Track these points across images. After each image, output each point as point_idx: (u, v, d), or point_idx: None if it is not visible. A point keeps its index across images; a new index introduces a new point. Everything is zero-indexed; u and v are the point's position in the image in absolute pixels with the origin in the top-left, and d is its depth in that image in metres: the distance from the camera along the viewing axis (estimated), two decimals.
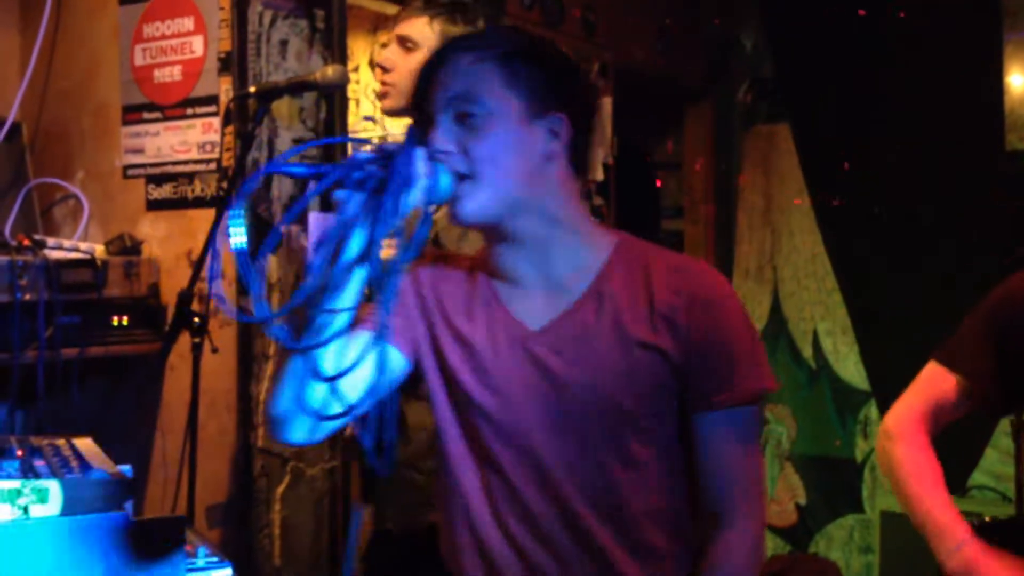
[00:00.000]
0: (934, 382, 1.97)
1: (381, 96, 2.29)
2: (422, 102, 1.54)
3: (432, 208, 1.43)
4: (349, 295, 1.39)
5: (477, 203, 1.47)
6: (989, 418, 2.71)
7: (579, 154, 1.57)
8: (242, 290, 2.64)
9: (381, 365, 1.35)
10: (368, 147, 1.37)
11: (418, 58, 2.21)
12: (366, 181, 1.33)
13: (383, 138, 1.33)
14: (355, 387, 1.42)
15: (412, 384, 1.63)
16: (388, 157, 1.35)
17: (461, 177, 1.46)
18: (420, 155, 1.37)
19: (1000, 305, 1.93)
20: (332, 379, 1.36)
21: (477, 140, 1.48)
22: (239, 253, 1.25)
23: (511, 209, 1.50)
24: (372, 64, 4.32)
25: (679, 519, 1.57)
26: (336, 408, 1.41)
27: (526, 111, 1.50)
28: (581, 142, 1.57)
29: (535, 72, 1.52)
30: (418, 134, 1.41)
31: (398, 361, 1.56)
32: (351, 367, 1.36)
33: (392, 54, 2.25)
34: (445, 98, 1.50)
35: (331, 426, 1.50)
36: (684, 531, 1.57)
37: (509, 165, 1.49)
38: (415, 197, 1.36)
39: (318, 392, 1.44)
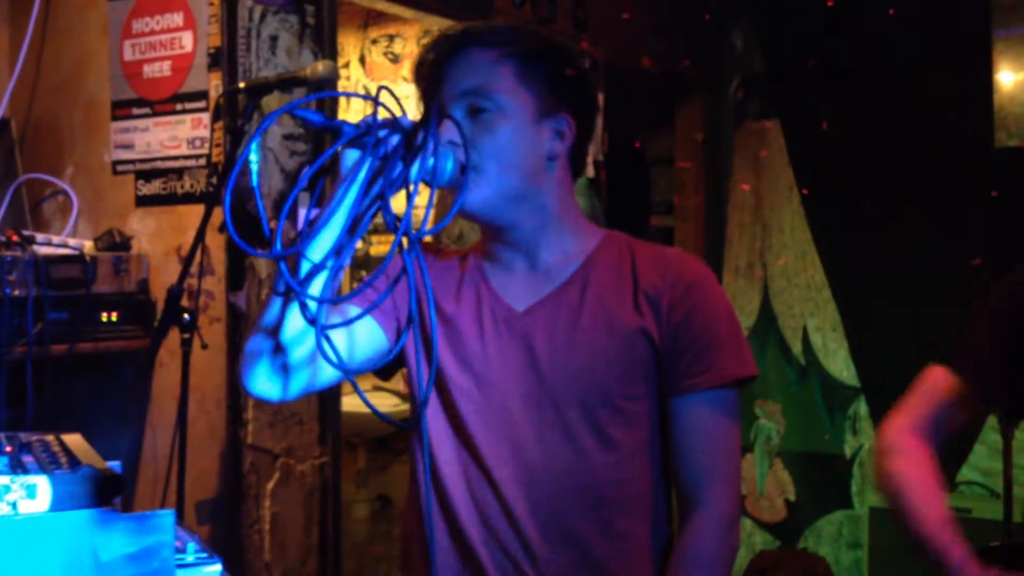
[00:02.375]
0: (935, 387, 1.81)
1: None
2: (432, 91, 1.55)
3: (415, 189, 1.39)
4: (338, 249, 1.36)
5: (480, 196, 1.49)
6: (1007, 421, 2.64)
7: (579, 154, 1.60)
8: (231, 285, 2.64)
9: (357, 336, 1.47)
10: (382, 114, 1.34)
11: None
12: (378, 145, 1.32)
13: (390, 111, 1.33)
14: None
15: (390, 368, 1.63)
16: (402, 129, 1.34)
17: (464, 168, 1.43)
18: (433, 135, 1.34)
19: (1011, 302, 1.81)
20: (324, 327, 1.31)
21: (486, 135, 1.49)
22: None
23: (511, 202, 1.52)
24: (362, 60, 4.32)
25: (656, 505, 1.57)
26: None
27: (535, 110, 1.53)
28: (582, 143, 1.60)
29: (548, 72, 1.54)
30: (434, 117, 1.37)
31: (377, 337, 1.55)
32: (344, 323, 1.41)
33: None
34: (458, 91, 1.51)
35: (300, 384, 1.46)
36: (661, 517, 1.58)
37: (514, 161, 1.51)
38: (416, 173, 1.34)
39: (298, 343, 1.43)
